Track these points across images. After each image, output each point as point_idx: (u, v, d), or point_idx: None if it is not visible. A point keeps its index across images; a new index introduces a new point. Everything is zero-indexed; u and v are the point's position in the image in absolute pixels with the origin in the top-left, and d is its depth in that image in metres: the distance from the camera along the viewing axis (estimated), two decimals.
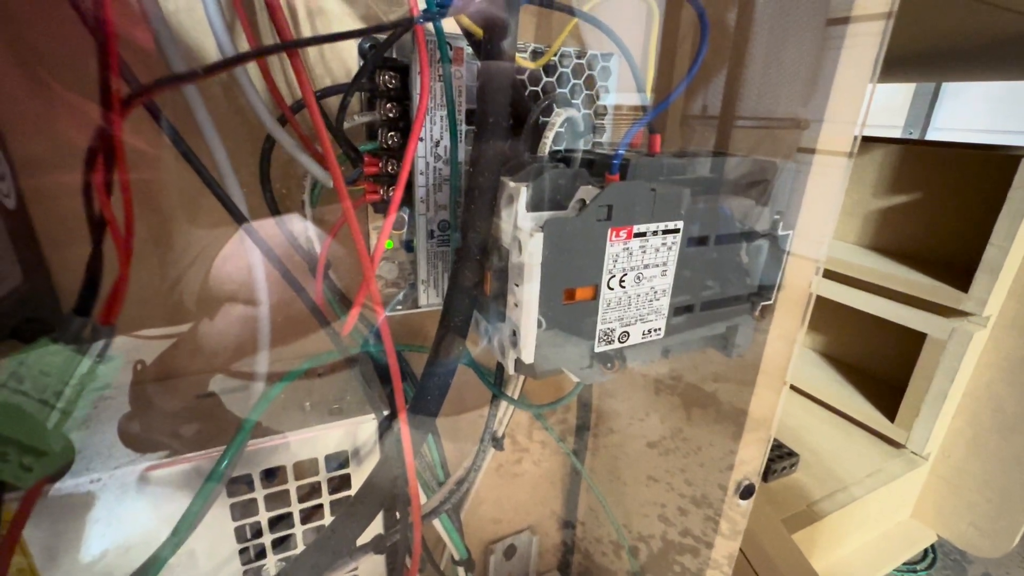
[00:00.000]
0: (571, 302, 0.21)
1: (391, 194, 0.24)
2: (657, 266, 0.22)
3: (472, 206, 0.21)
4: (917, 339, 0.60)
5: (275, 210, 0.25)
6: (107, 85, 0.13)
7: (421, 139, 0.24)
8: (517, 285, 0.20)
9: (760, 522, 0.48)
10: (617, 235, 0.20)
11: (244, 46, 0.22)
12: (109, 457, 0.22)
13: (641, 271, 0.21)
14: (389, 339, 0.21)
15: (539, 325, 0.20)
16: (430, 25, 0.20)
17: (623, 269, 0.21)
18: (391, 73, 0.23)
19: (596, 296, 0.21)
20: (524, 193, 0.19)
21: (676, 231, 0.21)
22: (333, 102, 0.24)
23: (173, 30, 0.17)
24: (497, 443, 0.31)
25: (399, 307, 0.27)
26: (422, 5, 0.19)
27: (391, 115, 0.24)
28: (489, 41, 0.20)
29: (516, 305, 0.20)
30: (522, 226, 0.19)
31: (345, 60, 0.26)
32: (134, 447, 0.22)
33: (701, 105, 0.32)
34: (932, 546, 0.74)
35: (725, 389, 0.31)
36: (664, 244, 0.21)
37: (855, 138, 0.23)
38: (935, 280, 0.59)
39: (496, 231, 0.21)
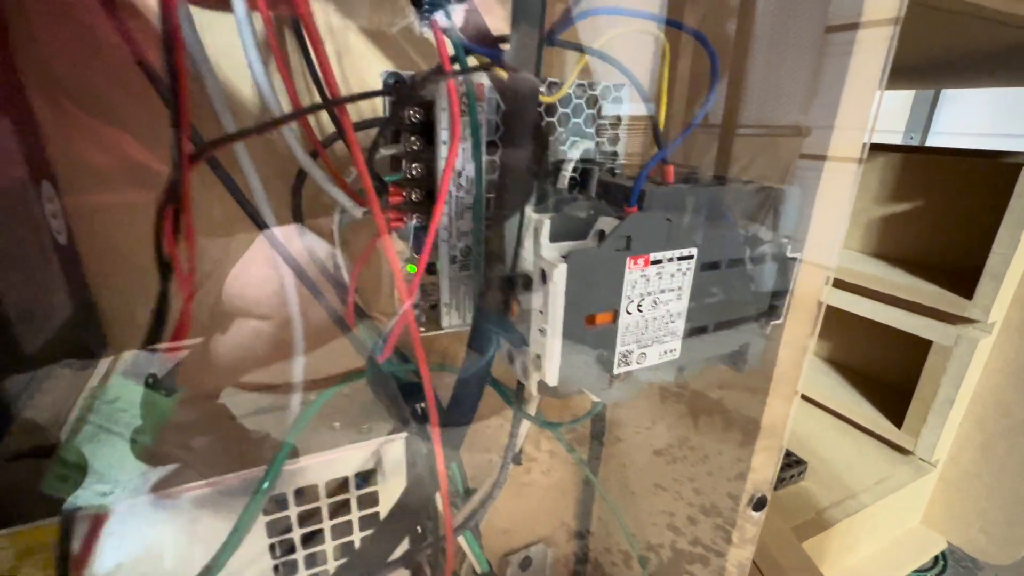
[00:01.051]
0: (592, 327, 0.22)
1: (414, 222, 0.26)
2: (673, 291, 0.23)
3: (496, 235, 0.22)
4: (923, 346, 0.61)
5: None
6: (180, 146, 0.14)
7: None
8: (541, 312, 0.21)
9: (770, 530, 0.49)
10: (635, 263, 0.21)
11: (278, 84, 0.23)
12: (137, 474, 0.22)
13: (658, 296, 0.23)
14: (424, 362, 0.22)
15: (562, 349, 0.21)
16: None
17: (640, 295, 0.22)
18: (416, 108, 0.24)
19: (615, 320, 0.22)
20: (547, 225, 0.21)
21: (690, 257, 0.23)
22: (360, 136, 0.25)
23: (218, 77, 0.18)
24: (516, 458, 0.32)
25: (422, 329, 0.28)
26: (451, 51, 0.20)
27: (415, 148, 0.25)
28: (515, 87, 0.21)
29: (540, 330, 0.21)
30: (546, 256, 0.20)
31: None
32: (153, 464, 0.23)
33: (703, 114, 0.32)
34: (943, 553, 0.74)
35: (731, 397, 0.32)
36: (679, 270, 0.23)
37: (864, 144, 0.24)
38: (939, 287, 0.60)
39: (520, 260, 0.22)
